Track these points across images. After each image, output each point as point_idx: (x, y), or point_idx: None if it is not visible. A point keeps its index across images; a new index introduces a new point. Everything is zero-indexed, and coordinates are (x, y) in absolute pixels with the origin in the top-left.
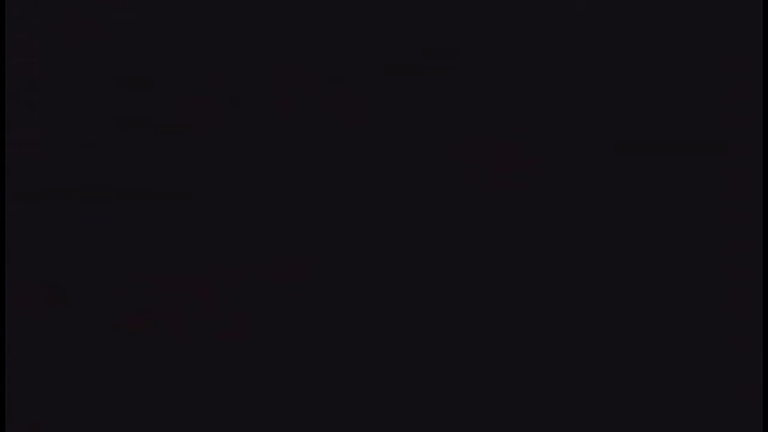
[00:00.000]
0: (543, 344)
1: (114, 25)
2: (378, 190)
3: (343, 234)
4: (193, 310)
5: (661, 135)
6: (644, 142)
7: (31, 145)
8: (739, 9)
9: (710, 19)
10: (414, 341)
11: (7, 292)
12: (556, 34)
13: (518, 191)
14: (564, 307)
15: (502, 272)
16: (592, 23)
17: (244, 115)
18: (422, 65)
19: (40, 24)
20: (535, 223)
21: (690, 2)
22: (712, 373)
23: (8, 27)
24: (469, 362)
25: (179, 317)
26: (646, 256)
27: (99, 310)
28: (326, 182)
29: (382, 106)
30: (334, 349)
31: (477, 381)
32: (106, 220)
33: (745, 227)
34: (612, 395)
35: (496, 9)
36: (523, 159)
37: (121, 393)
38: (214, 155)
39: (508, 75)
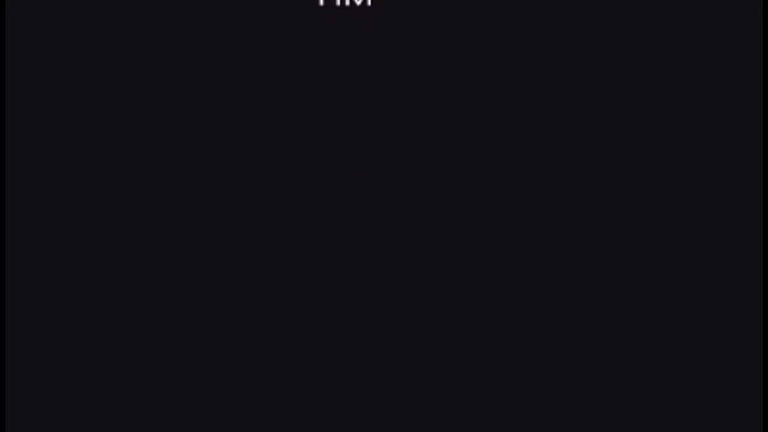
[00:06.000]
0: (540, 341)
1: (113, 23)
2: (376, 189)
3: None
4: (193, 309)
5: (660, 135)
6: (642, 140)
7: (31, 143)
8: (738, 9)
9: (709, 19)
10: (412, 339)
11: (7, 291)
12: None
13: (516, 189)
14: (563, 307)
15: (501, 272)
16: (590, 23)
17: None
18: (417, 64)
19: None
20: (533, 222)
21: (689, 2)
22: (711, 372)
23: (8, 27)
24: (465, 358)
25: (179, 317)
26: (644, 256)
27: (99, 310)
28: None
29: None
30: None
31: (475, 378)
32: (106, 218)
33: (745, 227)
34: (610, 394)
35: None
36: (521, 157)
37: (121, 393)
38: (209, 153)
39: (505, 73)
